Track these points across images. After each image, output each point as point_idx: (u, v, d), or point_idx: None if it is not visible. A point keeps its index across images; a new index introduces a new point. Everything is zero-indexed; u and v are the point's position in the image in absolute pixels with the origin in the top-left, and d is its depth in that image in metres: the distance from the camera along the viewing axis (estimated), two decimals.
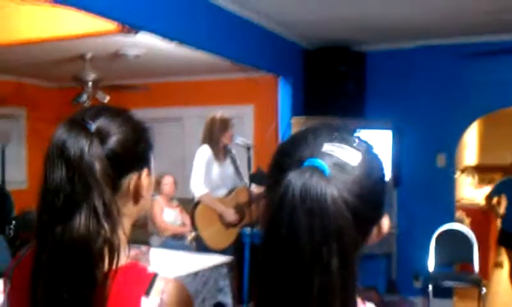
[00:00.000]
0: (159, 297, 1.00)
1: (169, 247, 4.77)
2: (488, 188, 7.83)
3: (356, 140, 0.88)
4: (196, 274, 3.63)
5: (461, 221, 6.08)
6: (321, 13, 4.75)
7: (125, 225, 1.08)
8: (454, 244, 5.36)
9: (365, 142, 0.90)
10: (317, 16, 4.85)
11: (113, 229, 0.99)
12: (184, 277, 3.44)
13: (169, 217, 5.64)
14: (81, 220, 0.96)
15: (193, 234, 4.75)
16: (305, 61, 5.81)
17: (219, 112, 4.75)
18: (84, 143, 0.99)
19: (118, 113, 1.10)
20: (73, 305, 0.95)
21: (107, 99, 6.14)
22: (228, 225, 4.56)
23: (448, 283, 5.24)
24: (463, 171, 8.65)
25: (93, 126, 1.03)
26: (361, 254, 0.89)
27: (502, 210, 6.17)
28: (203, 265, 3.74)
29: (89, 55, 5.85)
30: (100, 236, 0.97)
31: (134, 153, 1.09)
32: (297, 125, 5.45)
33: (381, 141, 5.54)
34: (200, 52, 4.69)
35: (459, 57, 5.58)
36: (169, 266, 3.63)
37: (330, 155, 0.84)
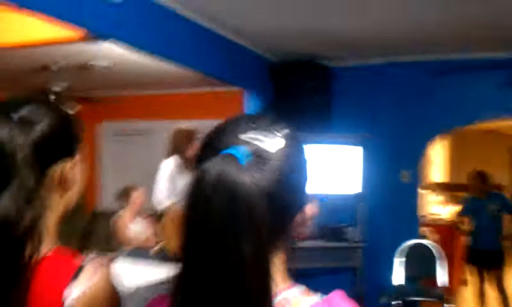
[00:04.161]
0: (83, 286, 0.98)
1: (134, 258, 4.70)
2: (451, 207, 7.98)
3: (276, 129, 0.90)
4: (159, 283, 3.59)
5: (425, 237, 6.15)
6: (288, 27, 4.79)
7: (51, 217, 1.06)
8: (419, 259, 5.42)
9: (286, 130, 0.91)
10: (284, 30, 4.88)
11: (34, 218, 0.97)
12: (145, 288, 3.40)
13: (136, 229, 5.59)
14: (1, 209, 0.95)
15: (158, 246, 4.71)
16: (271, 75, 5.83)
17: (184, 124, 4.74)
18: (5, 132, 0.98)
19: (43, 102, 1.09)
20: None
21: (72, 112, 6.06)
22: None
23: (412, 298, 5.28)
24: (429, 188, 8.78)
25: (16, 116, 1.01)
26: (290, 242, 0.92)
27: (468, 227, 6.27)
28: (165, 275, 3.69)
29: (55, 67, 5.79)
30: (21, 224, 0.95)
31: (58, 143, 1.07)
32: None
33: (345, 156, 5.60)
34: (169, 65, 4.68)
35: (424, 74, 5.68)
36: (130, 277, 3.59)
37: (247, 143, 0.85)
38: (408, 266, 5.36)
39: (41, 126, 1.03)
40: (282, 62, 5.83)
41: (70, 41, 3.99)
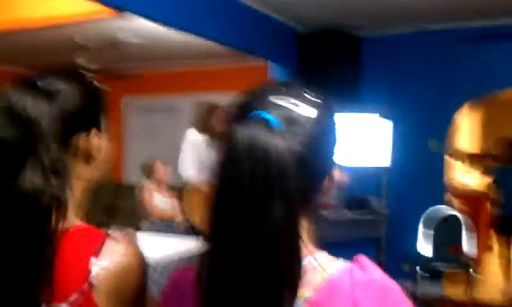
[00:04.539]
0: (109, 257, 0.98)
1: (158, 231, 4.80)
2: (478, 175, 7.87)
3: (308, 94, 0.91)
4: (183, 256, 3.66)
5: (451, 205, 6.10)
6: None
7: (76, 186, 1.07)
8: (444, 227, 5.39)
9: (317, 95, 0.93)
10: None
11: (61, 187, 0.98)
12: (169, 260, 3.47)
13: (161, 202, 5.66)
14: (27, 176, 0.96)
15: (182, 218, 4.77)
16: (298, 46, 5.74)
17: (210, 98, 4.77)
18: (29, 100, 1.00)
19: (71, 73, 1.11)
20: (21, 263, 0.94)
21: (106, 88, 6.14)
22: None
23: (436, 266, 5.27)
24: (457, 156, 8.66)
25: (42, 85, 1.03)
26: (317, 207, 0.93)
27: (497, 196, 6.18)
28: (187, 248, 3.76)
29: (85, 43, 5.84)
30: (47, 193, 0.96)
31: (84, 112, 1.08)
32: None
33: (376, 128, 5.53)
34: (195, 38, 4.68)
35: (452, 41, 5.59)
36: (154, 250, 3.66)
37: (279, 107, 0.87)
38: (434, 234, 5.32)
39: (66, 96, 1.04)
40: (309, 33, 5.74)
41: (97, 17, 4.02)
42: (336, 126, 0.95)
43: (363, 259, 0.89)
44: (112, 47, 5.78)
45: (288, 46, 5.69)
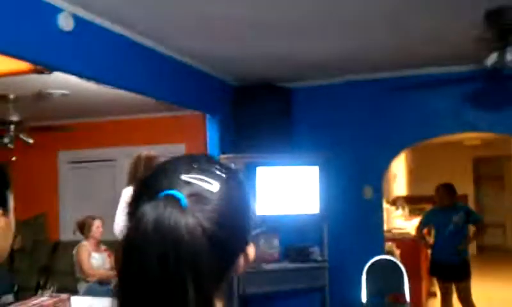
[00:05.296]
0: None
1: (95, 294, 4.60)
2: (417, 220, 8.04)
3: (218, 168, 0.88)
4: None
5: (391, 253, 6.17)
6: (247, 52, 4.80)
7: None
8: (384, 275, 5.42)
9: (229, 170, 0.90)
10: (243, 55, 4.89)
11: None
12: None
13: (97, 261, 5.46)
14: None
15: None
16: (232, 98, 5.84)
17: (145, 150, 4.68)
18: None
19: None
20: None
21: (31, 141, 5.97)
22: None
23: None
24: (393, 202, 8.85)
25: None
26: (228, 284, 0.89)
27: (431, 240, 6.31)
28: None
29: (11, 96, 5.68)
30: None
31: None
32: (227, 162, 5.43)
33: (308, 176, 5.61)
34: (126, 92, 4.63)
35: (381, 91, 5.74)
36: None
37: (188, 185, 0.83)
38: (376, 282, 5.36)
39: None
40: (243, 86, 5.86)
41: (20, 73, 3.91)
42: (250, 200, 0.91)
43: None
44: (38, 99, 5.64)
45: (223, 99, 5.74)
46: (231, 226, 0.84)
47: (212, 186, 0.84)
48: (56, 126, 6.73)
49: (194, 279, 0.75)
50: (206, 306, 0.77)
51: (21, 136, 5.88)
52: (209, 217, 0.80)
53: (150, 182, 0.85)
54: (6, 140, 5.74)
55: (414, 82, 5.55)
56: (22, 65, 3.64)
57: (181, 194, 0.80)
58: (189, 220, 0.77)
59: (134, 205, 0.83)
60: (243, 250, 0.88)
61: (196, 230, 0.77)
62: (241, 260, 0.88)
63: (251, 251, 0.90)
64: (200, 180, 0.84)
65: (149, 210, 0.77)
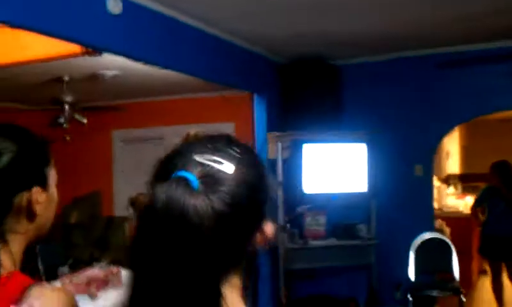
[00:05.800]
0: (28, 304, 0.98)
1: None
2: (469, 198, 7.87)
3: (234, 149, 0.87)
4: None
5: (441, 231, 6.09)
6: (295, 29, 4.77)
7: (17, 242, 1.11)
8: (434, 253, 5.38)
9: (245, 150, 0.89)
10: (290, 32, 4.86)
11: None
12: None
13: None
14: None
15: None
16: (280, 76, 5.82)
17: (194, 129, 4.76)
18: None
19: (12, 132, 1.14)
20: None
21: (85, 121, 6.18)
22: None
23: (428, 292, 5.24)
24: (445, 180, 8.69)
25: None
26: (252, 261, 0.91)
27: (483, 217, 6.17)
28: None
29: (66, 78, 5.89)
30: None
31: (24, 172, 1.11)
32: (272, 140, 5.48)
33: (356, 154, 5.58)
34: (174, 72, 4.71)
35: (432, 67, 5.63)
36: None
37: (201, 166, 0.83)
38: (424, 260, 5.31)
39: (5, 157, 1.08)
40: (290, 64, 5.82)
41: (71, 56, 4.04)
42: (266, 179, 0.91)
43: None
44: (91, 80, 5.81)
45: (270, 77, 5.74)
46: (245, 206, 0.84)
47: (226, 167, 0.83)
48: (108, 106, 6.93)
49: (199, 260, 0.77)
50: (213, 289, 0.78)
51: (75, 116, 6.08)
52: (222, 198, 0.80)
53: (166, 162, 0.86)
54: (61, 120, 5.96)
55: (462, 58, 5.42)
56: (74, 48, 3.77)
57: (193, 176, 0.80)
58: (199, 202, 0.78)
59: (150, 185, 0.84)
60: (259, 228, 0.89)
61: (205, 212, 0.78)
62: (258, 238, 0.89)
63: (268, 228, 0.90)
64: (214, 161, 0.83)
65: (160, 191, 0.78)
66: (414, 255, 5.29)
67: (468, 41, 5.31)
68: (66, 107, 6.02)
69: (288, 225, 4.71)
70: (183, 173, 0.81)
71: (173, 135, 7.06)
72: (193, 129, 4.79)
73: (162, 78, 5.93)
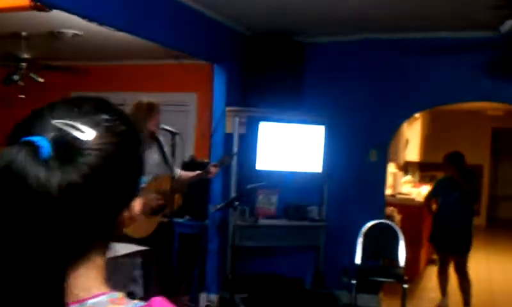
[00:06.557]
0: None
1: None
2: (425, 188, 7.98)
3: (101, 115, 0.78)
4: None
5: (391, 217, 6.15)
6: (263, 0, 4.69)
7: None
8: (381, 239, 5.42)
9: (117, 117, 0.80)
10: (257, 2, 4.76)
11: None
12: None
13: None
14: None
15: None
16: (243, 49, 5.70)
17: (146, 97, 4.67)
18: None
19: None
20: None
21: (40, 80, 6.02)
22: (149, 213, 4.47)
23: (372, 277, 5.30)
24: (404, 168, 8.78)
25: None
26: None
27: (435, 206, 6.23)
28: (113, 253, 3.67)
29: (24, 33, 5.71)
30: None
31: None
32: (231, 115, 5.42)
33: (314, 135, 5.56)
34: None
35: (397, 53, 5.62)
36: None
37: (58, 131, 0.73)
38: (371, 245, 5.36)
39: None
40: (255, 37, 5.72)
41: (20, 9, 3.90)
42: (137, 154, 0.83)
43: (157, 302, 0.79)
44: (51, 37, 5.64)
45: (233, 49, 5.63)
46: (105, 180, 0.75)
47: (85, 134, 0.74)
48: (68, 66, 6.75)
49: (37, 235, 0.69)
50: (53, 274, 0.71)
51: (31, 74, 5.92)
52: (77, 170, 0.72)
53: (23, 124, 0.76)
54: (15, 77, 5.79)
55: (428, 46, 5.41)
56: (23, 1, 3.63)
57: (45, 141, 0.71)
58: (42, 172, 0.69)
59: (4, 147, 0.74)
60: (126, 205, 0.82)
61: (47, 184, 0.69)
62: (123, 216, 0.82)
63: (136, 204, 0.84)
64: (72, 126, 0.74)
65: (3, 155, 0.70)
66: (362, 239, 5.33)
67: (434, 29, 5.28)
68: (22, 64, 5.85)
69: (237, 202, 4.67)
70: (33, 138, 0.71)
71: (126, 102, 6.94)
72: (144, 97, 4.71)
73: (125, 42, 5.78)
